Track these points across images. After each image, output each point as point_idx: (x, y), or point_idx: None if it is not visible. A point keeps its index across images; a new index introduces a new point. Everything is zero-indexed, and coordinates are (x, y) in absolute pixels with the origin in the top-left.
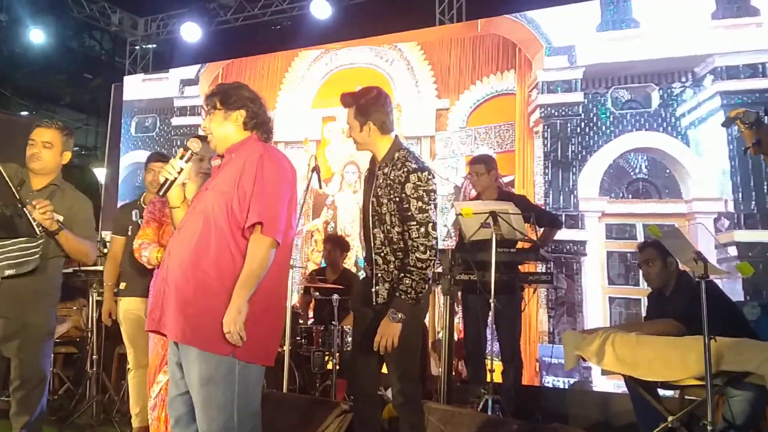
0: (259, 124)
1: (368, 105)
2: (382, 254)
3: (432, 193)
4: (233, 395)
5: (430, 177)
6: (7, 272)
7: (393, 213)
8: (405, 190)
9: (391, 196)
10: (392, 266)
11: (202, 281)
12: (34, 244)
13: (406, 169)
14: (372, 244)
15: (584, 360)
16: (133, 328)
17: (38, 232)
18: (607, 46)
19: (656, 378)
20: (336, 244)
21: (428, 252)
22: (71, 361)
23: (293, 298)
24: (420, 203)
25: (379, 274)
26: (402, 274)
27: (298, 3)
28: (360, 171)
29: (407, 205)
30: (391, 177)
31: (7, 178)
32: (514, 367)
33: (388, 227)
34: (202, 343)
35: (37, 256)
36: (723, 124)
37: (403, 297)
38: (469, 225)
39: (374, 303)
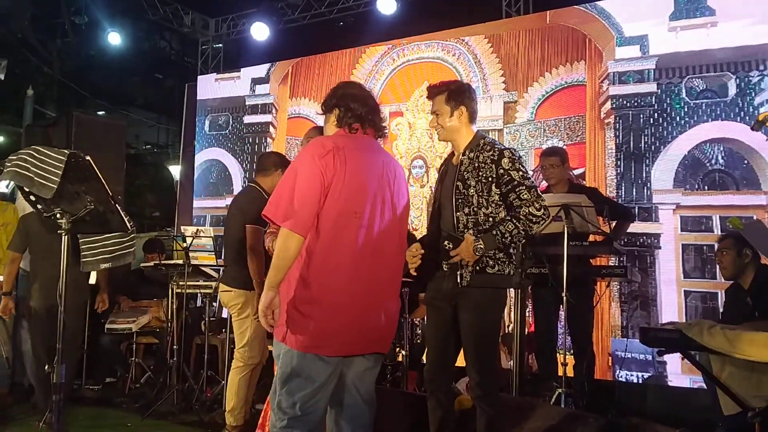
0: (350, 119)
1: (461, 91)
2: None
3: (526, 170)
4: (277, 377)
5: (520, 156)
6: (103, 266)
7: (481, 194)
8: (502, 165)
9: (480, 177)
10: (499, 246)
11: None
12: (127, 238)
13: (497, 149)
14: (455, 228)
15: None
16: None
17: (129, 228)
18: (681, 34)
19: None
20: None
21: (541, 210)
22: (151, 351)
23: None
24: (521, 173)
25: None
26: (509, 218)
27: (364, 0)
28: (427, 165)
29: (509, 178)
30: (480, 159)
31: (100, 176)
32: (586, 361)
33: (475, 209)
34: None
35: (133, 249)
36: (752, 128)
37: (497, 236)
38: None
39: (459, 285)
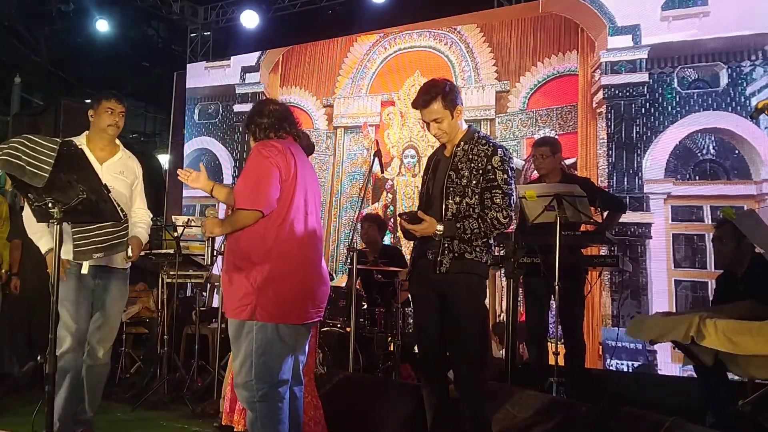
0: (261, 131)
1: (453, 92)
2: None
3: (513, 171)
4: (249, 353)
5: (511, 156)
6: (96, 256)
7: (470, 184)
8: (492, 162)
9: (472, 168)
10: (458, 239)
11: (230, 262)
12: (120, 227)
13: (492, 145)
14: (443, 216)
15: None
16: None
17: (122, 217)
18: (674, 24)
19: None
20: (373, 222)
21: (507, 219)
22: (140, 341)
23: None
24: (505, 175)
25: (446, 244)
26: (474, 218)
27: None
28: (419, 155)
29: (493, 176)
30: (474, 152)
31: (92, 164)
32: (577, 350)
33: (468, 199)
34: (229, 312)
35: (125, 239)
36: (751, 116)
37: (459, 228)
38: (532, 208)
39: (437, 271)
